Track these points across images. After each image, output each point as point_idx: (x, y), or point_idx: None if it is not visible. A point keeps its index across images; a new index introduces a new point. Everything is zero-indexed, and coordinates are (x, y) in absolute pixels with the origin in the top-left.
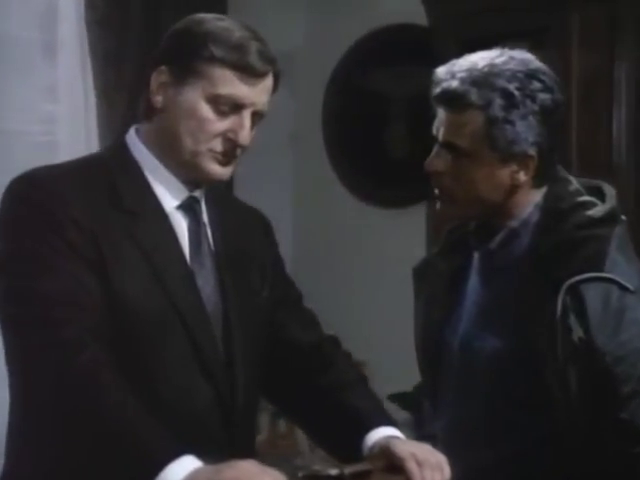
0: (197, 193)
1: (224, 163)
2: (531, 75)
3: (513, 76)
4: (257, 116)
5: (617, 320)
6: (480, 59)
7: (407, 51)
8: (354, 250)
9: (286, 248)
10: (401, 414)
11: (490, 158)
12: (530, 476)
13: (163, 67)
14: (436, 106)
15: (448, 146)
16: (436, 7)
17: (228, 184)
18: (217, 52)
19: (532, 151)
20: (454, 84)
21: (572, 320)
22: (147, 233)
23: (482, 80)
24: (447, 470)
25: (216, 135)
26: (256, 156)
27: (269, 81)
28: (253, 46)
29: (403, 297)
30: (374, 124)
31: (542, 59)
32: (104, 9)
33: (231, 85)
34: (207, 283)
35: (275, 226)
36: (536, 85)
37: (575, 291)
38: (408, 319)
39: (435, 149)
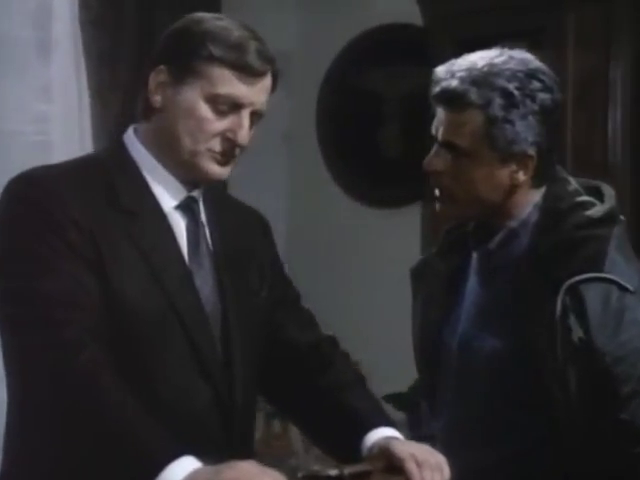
0: (195, 193)
1: (223, 163)
2: (531, 75)
3: (513, 76)
4: (256, 116)
5: (617, 320)
6: (480, 58)
7: (401, 51)
8: (348, 250)
9: (280, 248)
10: (396, 415)
11: (489, 158)
12: (530, 476)
13: (162, 67)
14: (435, 105)
15: (447, 145)
16: (431, 7)
17: (222, 184)
18: (216, 51)
19: (531, 151)
20: (454, 83)
21: (572, 320)
22: (145, 233)
23: (482, 79)
24: (447, 471)
25: (215, 135)
26: (250, 156)
27: (268, 81)
28: (252, 45)
29: (398, 297)
30: (368, 124)
31: (538, 59)
32: (98, 9)
33: (230, 85)
34: (205, 283)
35: None
36: (536, 85)
37: (575, 291)
38: (403, 319)
39: (434, 148)
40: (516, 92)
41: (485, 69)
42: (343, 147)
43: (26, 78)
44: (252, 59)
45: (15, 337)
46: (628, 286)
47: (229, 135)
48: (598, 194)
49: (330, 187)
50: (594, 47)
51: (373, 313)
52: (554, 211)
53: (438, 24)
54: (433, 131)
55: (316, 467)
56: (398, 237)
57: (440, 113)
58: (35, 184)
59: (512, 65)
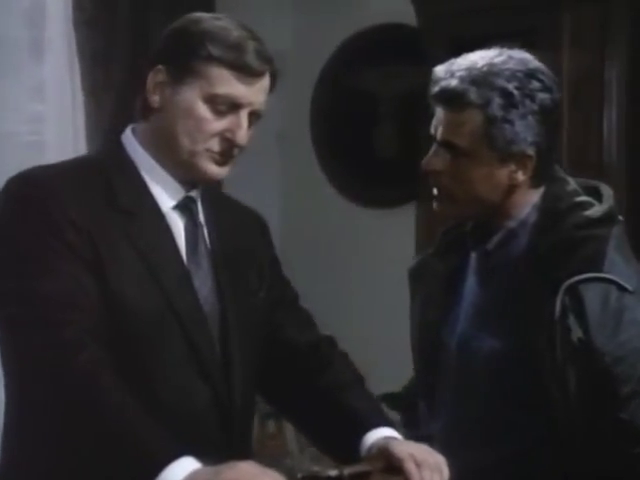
0: (194, 193)
1: (221, 163)
2: (530, 75)
3: (512, 75)
4: (254, 116)
5: (616, 320)
6: (479, 58)
7: (395, 51)
8: (342, 250)
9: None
10: (391, 414)
11: (489, 157)
12: (529, 476)
13: (160, 67)
14: (434, 105)
15: (446, 145)
16: (425, 7)
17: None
18: (214, 51)
19: (531, 151)
20: (453, 83)
21: (571, 320)
22: (144, 233)
23: (481, 79)
24: (446, 471)
25: (213, 135)
26: (244, 156)
27: (266, 81)
28: (250, 45)
29: (392, 297)
30: (362, 124)
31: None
32: (92, 11)
33: (228, 85)
34: (204, 283)
35: None
36: (535, 85)
37: (574, 291)
38: (399, 319)
39: (433, 148)
40: (515, 92)
41: (485, 69)
42: (337, 147)
43: (20, 78)
44: (251, 59)
45: (15, 337)
46: (627, 286)
47: (228, 135)
48: (597, 194)
49: (324, 187)
50: (589, 47)
51: (368, 312)
52: (553, 211)
53: (432, 24)
54: (432, 131)
55: (316, 468)
56: (392, 237)
57: (439, 113)
58: (33, 184)
59: (512, 65)
